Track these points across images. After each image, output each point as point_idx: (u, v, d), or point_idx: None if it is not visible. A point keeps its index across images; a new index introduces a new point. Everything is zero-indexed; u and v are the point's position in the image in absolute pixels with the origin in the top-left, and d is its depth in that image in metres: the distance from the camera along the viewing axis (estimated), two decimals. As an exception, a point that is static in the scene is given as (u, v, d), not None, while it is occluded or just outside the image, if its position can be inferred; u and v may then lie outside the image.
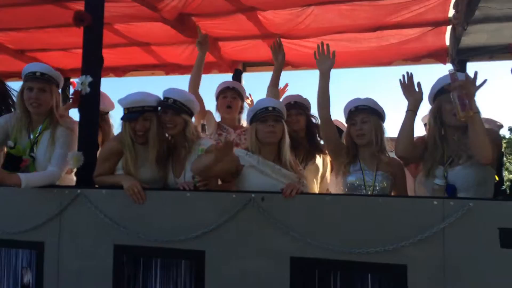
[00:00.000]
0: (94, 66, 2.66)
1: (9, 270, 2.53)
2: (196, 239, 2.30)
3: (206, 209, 2.33)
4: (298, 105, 3.19)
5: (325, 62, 2.74)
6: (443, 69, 5.90)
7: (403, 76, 2.56)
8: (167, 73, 4.66)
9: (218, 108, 3.41)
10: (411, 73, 2.55)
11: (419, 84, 2.54)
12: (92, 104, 2.62)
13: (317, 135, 3.17)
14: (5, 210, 2.60)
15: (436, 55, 3.95)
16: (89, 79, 2.59)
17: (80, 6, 3.21)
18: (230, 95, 3.34)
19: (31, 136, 2.71)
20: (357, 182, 2.63)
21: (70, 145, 2.65)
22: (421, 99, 2.53)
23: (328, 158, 3.18)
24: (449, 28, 3.51)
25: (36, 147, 2.68)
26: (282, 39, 3.83)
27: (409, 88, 2.54)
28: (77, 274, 2.44)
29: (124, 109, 2.59)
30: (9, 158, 2.71)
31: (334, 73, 2.78)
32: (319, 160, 3.14)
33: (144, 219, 2.40)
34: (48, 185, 2.55)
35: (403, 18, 3.34)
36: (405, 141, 2.48)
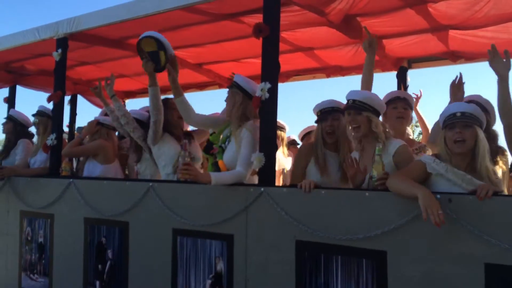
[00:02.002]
0: (272, 73, 2.85)
1: (204, 258, 2.86)
2: (376, 238, 2.30)
3: (385, 208, 2.31)
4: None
5: (500, 63, 2.52)
6: None
7: None
8: (328, 76, 4.73)
9: (385, 119, 3.25)
10: None
11: None
12: (270, 108, 2.80)
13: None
14: (201, 205, 2.92)
15: None
16: (268, 85, 2.78)
17: (253, 19, 3.50)
18: (401, 106, 3.19)
19: (228, 132, 3.08)
20: None
21: (251, 145, 2.84)
22: None
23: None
24: None
25: (229, 141, 3.02)
26: (453, 31, 3.60)
27: None
28: (263, 265, 2.64)
29: (317, 112, 2.98)
30: (208, 142, 3.24)
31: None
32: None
33: (323, 217, 2.48)
34: (235, 183, 2.80)
35: None
36: None
